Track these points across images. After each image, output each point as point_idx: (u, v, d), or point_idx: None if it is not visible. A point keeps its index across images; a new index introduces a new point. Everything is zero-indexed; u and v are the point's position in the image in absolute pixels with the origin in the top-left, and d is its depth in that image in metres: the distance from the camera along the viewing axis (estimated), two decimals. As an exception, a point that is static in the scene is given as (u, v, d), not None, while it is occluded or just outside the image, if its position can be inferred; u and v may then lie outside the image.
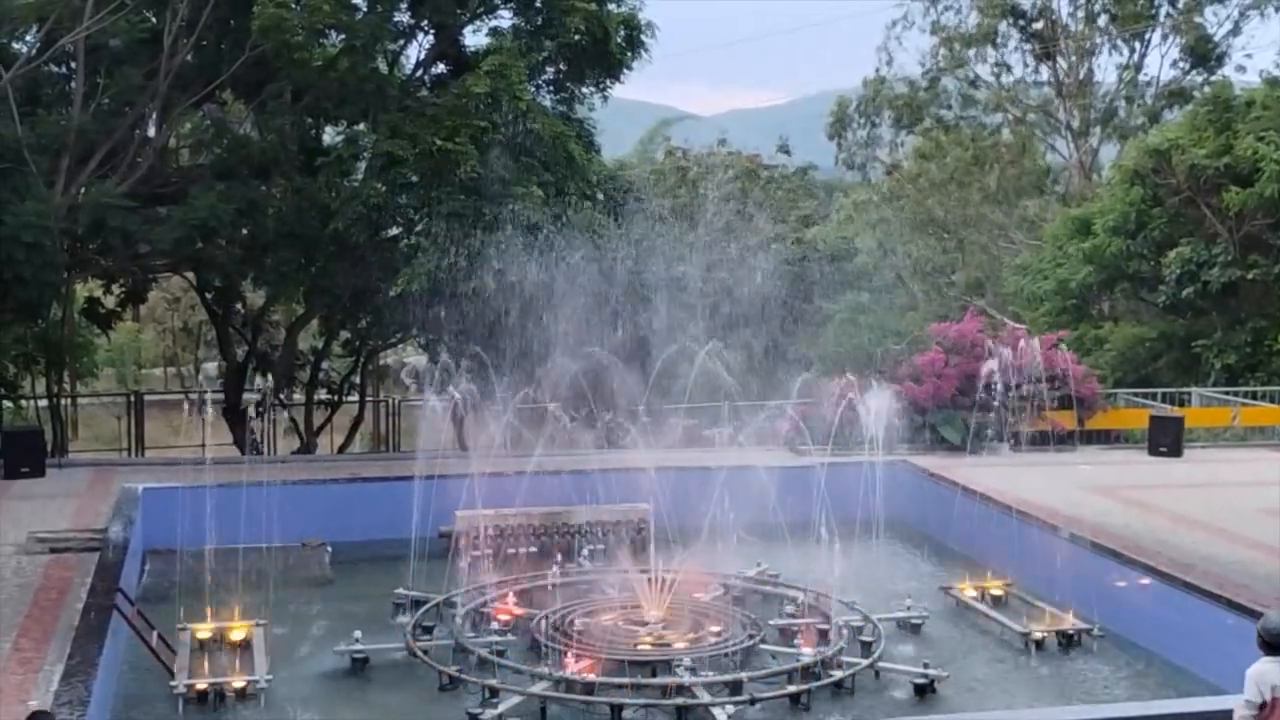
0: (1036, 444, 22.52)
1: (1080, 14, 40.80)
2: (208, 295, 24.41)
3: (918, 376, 22.68)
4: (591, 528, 16.82)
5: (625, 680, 12.31)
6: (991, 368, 22.05)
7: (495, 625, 14.04)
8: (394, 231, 22.48)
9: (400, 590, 15.16)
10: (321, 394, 26.08)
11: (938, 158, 41.20)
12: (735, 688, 12.17)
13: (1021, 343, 22.84)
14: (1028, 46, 41.19)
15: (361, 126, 22.16)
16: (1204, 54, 38.93)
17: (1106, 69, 42.39)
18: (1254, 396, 26.18)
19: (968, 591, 15.72)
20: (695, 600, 14.69)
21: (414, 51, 23.34)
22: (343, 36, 20.74)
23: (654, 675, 12.51)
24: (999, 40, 41.05)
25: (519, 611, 14.49)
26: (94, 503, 17.14)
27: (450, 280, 19.72)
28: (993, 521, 17.17)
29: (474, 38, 23.13)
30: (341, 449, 26.07)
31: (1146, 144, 29.92)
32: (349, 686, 12.84)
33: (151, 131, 21.60)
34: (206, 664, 12.89)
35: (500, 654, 13.02)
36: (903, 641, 14.25)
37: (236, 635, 13.52)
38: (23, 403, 23.54)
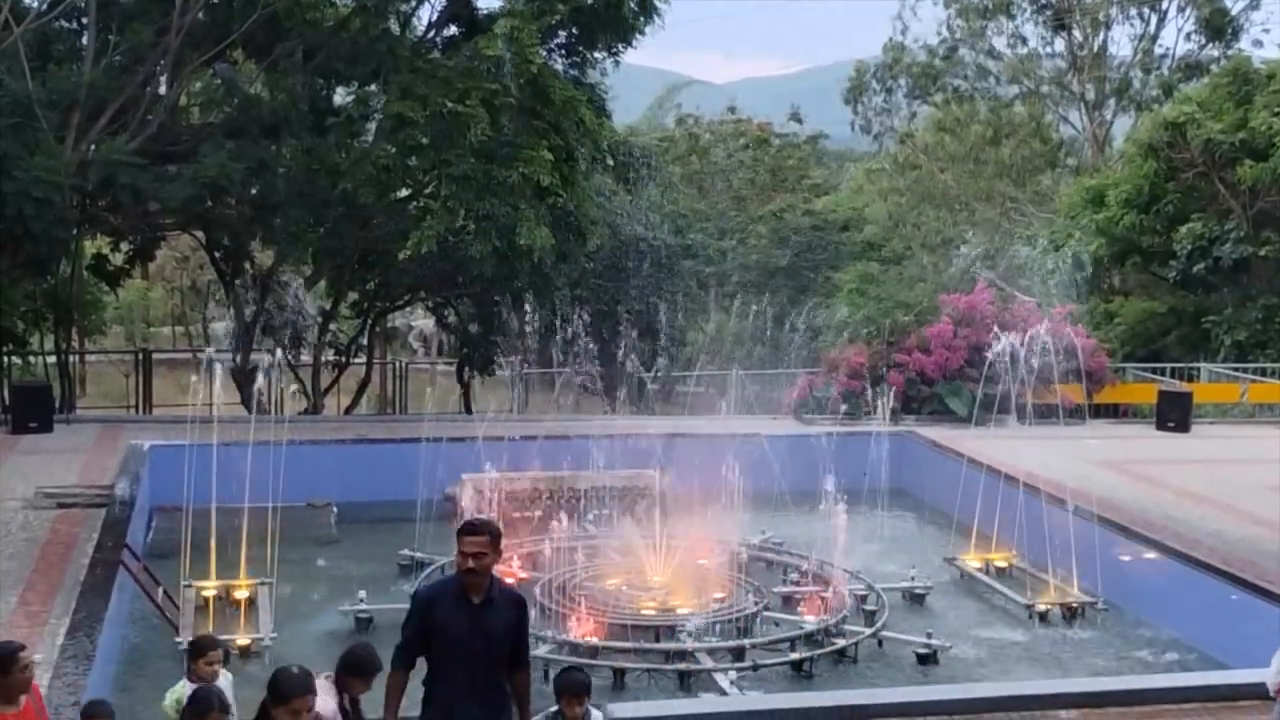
0: (1044, 417, 22.45)
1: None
2: (217, 254, 24.39)
3: (926, 347, 22.64)
4: (597, 492, 16.81)
5: (628, 645, 12.34)
6: (1000, 340, 21.98)
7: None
8: (404, 193, 22.41)
9: (405, 551, 15.21)
10: (329, 355, 26.08)
11: (956, 131, 40.87)
12: (738, 654, 12.21)
13: (1031, 315, 22.77)
14: (1041, 18, 40.83)
15: (372, 87, 22.05)
16: (1219, 27, 38.56)
17: (1121, 41, 41.94)
18: (1263, 373, 26.13)
19: (972, 563, 15.75)
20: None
21: (426, 13, 23.22)
22: (355, -4, 20.63)
23: (657, 640, 12.54)
24: (1012, 10, 40.70)
25: (523, 575, 14.51)
26: (101, 459, 17.19)
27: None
28: (998, 493, 17.15)
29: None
30: (348, 410, 26.08)
31: (1162, 117, 29.68)
32: (353, 646, 12.86)
33: (162, 89, 21.51)
34: (211, 621, 12.92)
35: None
36: (907, 612, 14.28)
37: (241, 593, 13.59)
38: (31, 358, 23.60)
